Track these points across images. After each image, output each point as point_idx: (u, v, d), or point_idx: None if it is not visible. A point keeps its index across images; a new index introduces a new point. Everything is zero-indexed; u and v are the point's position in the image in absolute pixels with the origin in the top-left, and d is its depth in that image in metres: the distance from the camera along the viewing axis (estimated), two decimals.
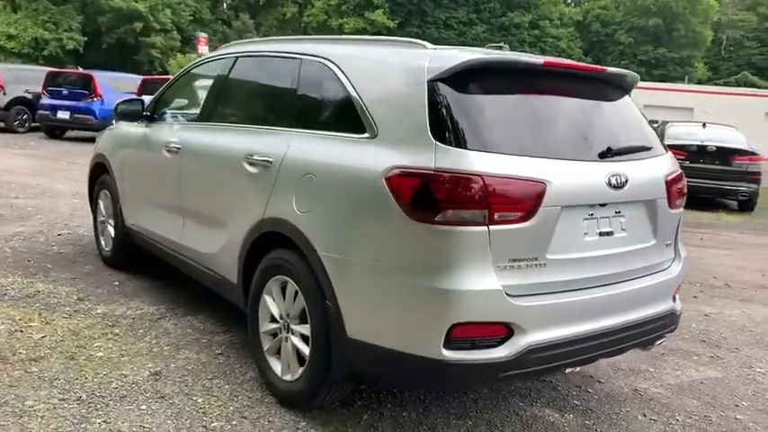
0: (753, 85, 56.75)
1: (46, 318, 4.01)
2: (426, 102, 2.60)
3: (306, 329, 2.97)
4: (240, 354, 3.70)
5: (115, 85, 15.34)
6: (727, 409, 3.47)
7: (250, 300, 3.34)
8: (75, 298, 4.42)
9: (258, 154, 3.29)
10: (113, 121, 5.44)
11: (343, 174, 2.78)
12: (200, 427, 2.88)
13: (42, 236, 6.05)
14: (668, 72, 61.68)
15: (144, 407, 3.03)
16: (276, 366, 3.20)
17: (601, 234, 2.79)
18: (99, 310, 4.23)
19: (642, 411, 3.35)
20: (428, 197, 2.47)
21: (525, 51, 49.91)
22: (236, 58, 3.93)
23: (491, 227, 2.46)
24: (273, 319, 3.23)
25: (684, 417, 3.34)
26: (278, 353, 3.22)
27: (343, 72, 3.03)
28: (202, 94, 4.26)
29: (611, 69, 3.10)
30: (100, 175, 5.32)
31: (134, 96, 4.94)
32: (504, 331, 2.52)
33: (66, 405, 2.98)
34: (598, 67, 3.09)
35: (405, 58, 2.84)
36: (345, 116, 2.94)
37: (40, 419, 2.83)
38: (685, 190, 3.25)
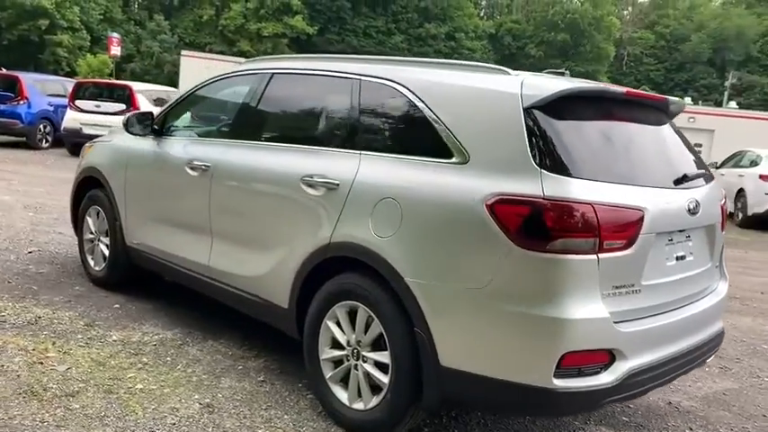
0: None
1: (61, 347, 3.74)
2: (525, 129, 2.62)
3: (383, 357, 2.92)
4: (283, 380, 3.58)
5: (42, 88, 14.45)
6: (757, 419, 3.67)
7: (308, 326, 3.24)
8: (83, 324, 4.14)
9: (319, 176, 3.20)
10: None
11: (434, 199, 2.75)
12: None
13: (11, 254, 5.63)
14: None
15: None
16: (341, 394, 3.12)
17: (677, 258, 2.90)
18: (114, 337, 3.98)
19: (688, 426, 3.49)
20: (539, 225, 2.48)
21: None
22: (272, 74, 3.81)
23: (600, 255, 2.50)
24: (337, 346, 3.15)
25: (726, 429, 3.50)
26: (342, 380, 3.14)
27: (416, 95, 3.00)
28: (229, 110, 4.11)
29: (670, 98, 3.22)
30: (88, 189, 5.01)
31: (143, 110, 4.62)
32: (608, 358, 2.57)
33: None
34: (662, 96, 3.21)
35: (493, 84, 2.84)
36: (425, 140, 2.91)
37: None
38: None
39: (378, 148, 3.11)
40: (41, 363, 3.52)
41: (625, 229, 2.57)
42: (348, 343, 3.09)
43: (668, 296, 2.85)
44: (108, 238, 4.82)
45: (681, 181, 2.95)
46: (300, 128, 3.71)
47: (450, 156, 2.79)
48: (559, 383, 2.48)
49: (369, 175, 3.02)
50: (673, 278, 2.87)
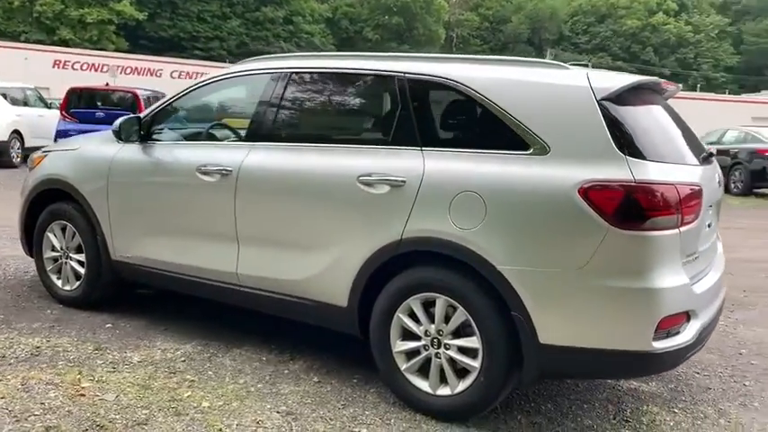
0: None
1: (92, 376, 3.48)
2: (603, 119, 2.87)
3: (469, 342, 3.07)
4: (336, 378, 3.61)
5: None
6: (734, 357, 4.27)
7: (376, 321, 3.30)
8: (92, 349, 3.86)
9: (379, 174, 3.25)
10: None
11: (521, 189, 2.93)
12: None
13: None
14: None
15: None
16: (421, 384, 3.23)
17: (708, 226, 3.32)
18: (136, 358, 3.76)
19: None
20: (633, 207, 2.76)
21: (281, 47, 50.35)
22: (291, 74, 3.75)
23: (681, 228, 2.84)
24: (411, 337, 3.24)
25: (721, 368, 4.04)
26: (419, 370, 3.24)
27: (476, 92, 3.14)
28: (242, 112, 3.97)
29: (678, 85, 3.62)
30: (47, 204, 4.60)
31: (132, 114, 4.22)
32: (686, 318, 2.92)
33: None
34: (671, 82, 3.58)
35: (561, 78, 3.07)
36: (496, 134, 3.08)
37: None
38: None
39: (442, 144, 3.22)
40: (82, 395, 3.27)
41: (695, 204, 2.92)
42: (426, 333, 3.19)
43: (707, 260, 3.27)
44: (82, 255, 4.47)
45: (707, 158, 3.36)
46: (347, 128, 3.71)
47: (526, 148, 2.98)
48: (657, 345, 2.80)
49: (439, 170, 3.13)
50: (707, 245, 3.28)
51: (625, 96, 2.99)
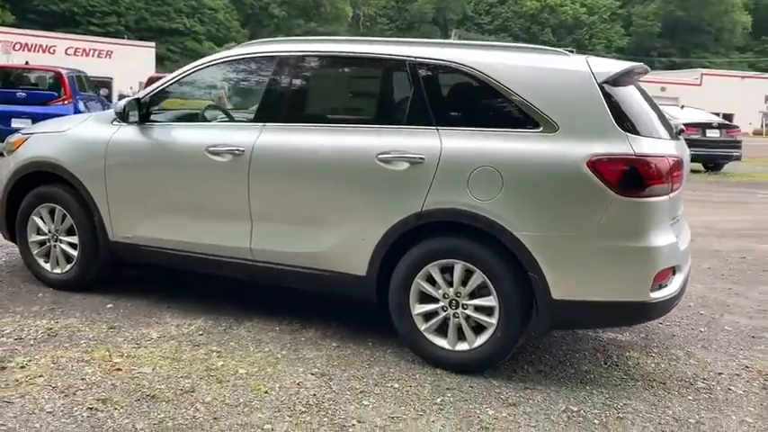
0: None
1: (120, 352, 3.58)
2: (604, 101, 3.28)
3: (486, 302, 3.43)
4: (353, 342, 3.87)
5: None
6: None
7: (395, 287, 3.59)
8: (106, 327, 3.94)
9: (398, 152, 3.52)
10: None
11: (534, 163, 3.29)
12: (432, 405, 3.17)
13: None
14: None
15: (366, 402, 3.16)
16: (440, 341, 3.56)
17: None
18: (153, 334, 3.88)
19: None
20: (635, 177, 3.18)
21: (184, 23, 48.78)
22: (303, 57, 3.94)
23: (670, 195, 3.29)
24: (428, 300, 3.56)
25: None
26: (437, 330, 3.57)
27: (487, 75, 3.47)
28: (250, 94, 4.11)
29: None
30: (31, 187, 4.57)
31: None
32: (673, 272, 3.40)
33: (307, 416, 2.97)
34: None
35: (564, 63, 3.43)
36: (507, 114, 3.43)
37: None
38: None
39: (456, 124, 3.53)
40: (119, 369, 3.38)
41: (678, 173, 3.37)
42: (444, 296, 3.52)
43: (681, 224, 3.76)
44: (73, 237, 4.49)
45: (678, 134, 3.84)
46: (363, 109, 3.93)
47: (536, 126, 3.34)
48: (653, 296, 3.26)
49: (456, 147, 3.44)
50: (681, 210, 3.77)
51: (619, 80, 3.40)
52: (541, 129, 3.33)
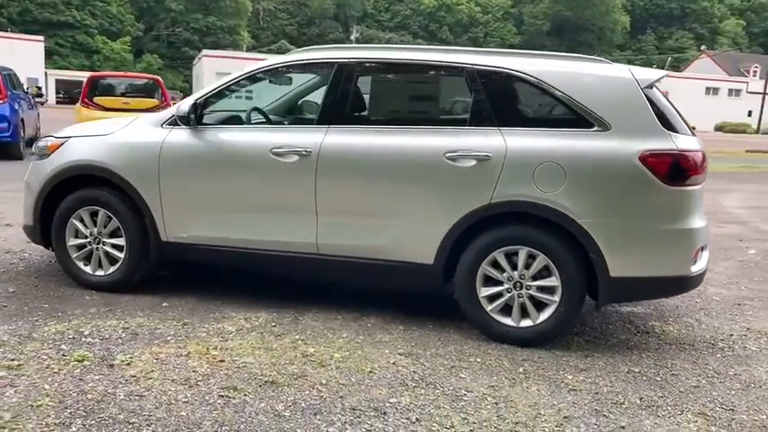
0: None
1: (213, 346, 3.76)
2: (648, 103, 3.81)
3: (549, 282, 3.88)
4: (416, 325, 4.22)
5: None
6: None
7: (462, 273, 3.98)
8: (180, 324, 4.08)
9: (465, 151, 3.91)
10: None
11: (593, 158, 3.77)
12: (518, 374, 3.59)
13: None
14: (218, 40, 65.04)
15: (462, 375, 3.54)
16: (505, 320, 3.98)
17: None
18: (229, 328, 4.06)
19: None
20: (679, 169, 3.73)
21: (74, 15, 47.16)
22: (365, 63, 4.26)
23: (702, 184, 3.87)
24: (493, 283, 3.98)
25: None
26: (502, 310, 3.99)
27: (543, 81, 3.92)
28: (309, 98, 4.34)
29: None
30: (69, 191, 4.60)
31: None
32: (702, 249, 3.98)
33: (420, 390, 3.31)
34: None
35: (610, 71, 3.93)
36: (563, 116, 3.89)
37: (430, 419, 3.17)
38: None
39: (517, 125, 3.95)
40: (222, 361, 3.57)
41: (706, 165, 3.95)
42: (509, 278, 3.94)
43: None
44: (118, 239, 4.56)
45: (692, 130, 4.44)
46: (427, 112, 4.25)
47: (590, 126, 3.83)
48: (693, 269, 3.83)
49: (520, 146, 3.86)
50: None
51: (655, 85, 3.94)
52: (595, 128, 3.82)
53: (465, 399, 3.27)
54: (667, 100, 4.09)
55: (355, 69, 4.22)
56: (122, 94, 12.38)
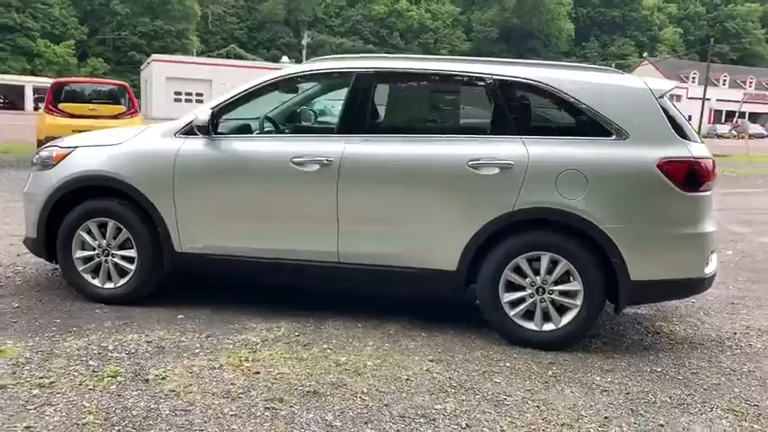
0: (241, 58, 63.51)
1: (245, 357, 3.72)
2: (662, 113, 3.96)
3: (571, 287, 3.99)
4: (438, 332, 4.26)
5: None
6: None
7: (485, 279, 4.06)
8: (204, 336, 4.04)
9: (488, 159, 3.99)
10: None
11: (613, 165, 3.90)
12: (549, 378, 3.69)
13: None
14: (167, 44, 63.92)
15: (497, 380, 3.61)
16: (527, 324, 4.07)
17: None
18: (253, 339, 4.03)
19: None
20: (694, 176, 3.89)
21: (13, 18, 46.01)
22: (386, 73, 4.30)
23: (712, 190, 4.05)
24: (515, 289, 4.07)
25: None
26: (524, 315, 4.08)
27: (561, 91, 4.03)
28: (327, 107, 4.34)
29: None
30: (76, 202, 4.49)
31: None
32: (712, 252, 4.16)
33: (461, 395, 3.36)
34: None
35: (626, 81, 4.08)
36: (582, 124, 4.02)
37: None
38: None
39: (538, 133, 4.05)
40: (257, 372, 3.55)
41: (715, 171, 4.13)
42: (531, 284, 4.04)
43: None
44: (128, 251, 4.48)
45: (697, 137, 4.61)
46: (448, 121, 4.31)
47: (609, 134, 3.96)
48: (706, 271, 3.99)
49: (542, 154, 3.96)
50: None
51: (667, 95, 4.10)
52: (614, 136, 3.95)
53: (506, 403, 3.33)
54: (676, 109, 4.26)
55: (375, 79, 4.25)
56: (88, 101, 12.07)
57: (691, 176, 3.89)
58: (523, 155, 3.97)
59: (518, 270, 4.05)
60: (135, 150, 4.43)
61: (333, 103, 4.37)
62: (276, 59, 66.23)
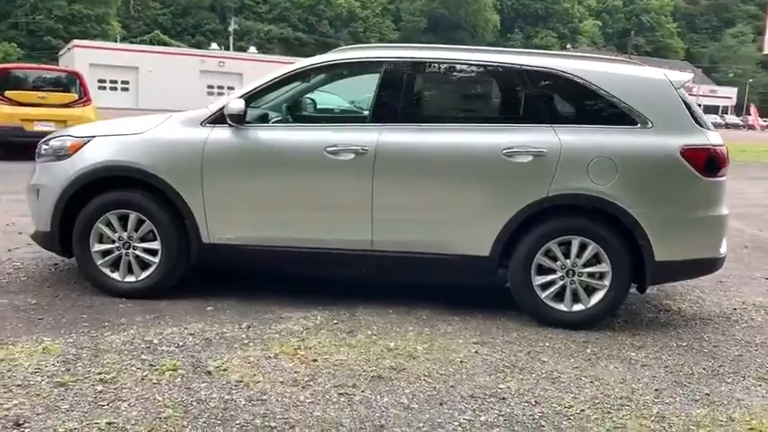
0: (164, 44, 61.63)
1: (297, 346, 3.73)
2: (682, 102, 4.21)
3: (599, 269, 4.19)
4: (469, 316, 4.38)
5: None
6: None
7: (518, 263, 4.20)
8: (245, 326, 4.01)
9: (521, 147, 4.13)
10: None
11: (641, 152, 4.11)
12: (590, 355, 3.87)
13: None
14: (86, 29, 61.28)
15: (545, 359, 3.76)
16: (559, 306, 4.25)
17: None
18: (296, 328, 4.03)
19: None
20: (713, 162, 4.15)
21: None
22: (417, 63, 4.36)
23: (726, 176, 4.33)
24: (547, 272, 4.24)
25: None
26: (556, 297, 4.26)
27: (589, 81, 4.21)
28: (358, 97, 4.35)
29: None
30: (93, 194, 4.36)
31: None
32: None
33: (520, 375, 3.50)
34: None
35: (647, 72, 4.28)
36: (610, 114, 4.20)
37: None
38: None
39: (567, 122, 4.22)
40: (315, 360, 3.58)
41: (729, 158, 4.41)
42: (562, 267, 4.21)
43: None
44: (150, 243, 4.38)
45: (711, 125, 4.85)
46: (481, 110, 4.40)
47: (634, 123, 4.17)
48: (721, 252, 4.28)
49: (573, 141, 4.13)
50: None
51: (684, 85, 4.35)
52: (639, 125, 4.16)
53: (562, 380, 3.49)
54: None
55: (407, 68, 4.31)
56: (37, 88, 11.48)
57: (710, 163, 4.14)
58: (556, 143, 4.12)
59: (548, 254, 4.21)
60: (159, 140, 4.33)
61: (362, 93, 4.39)
62: (201, 46, 64.62)
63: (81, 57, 44.03)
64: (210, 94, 51.53)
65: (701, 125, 4.22)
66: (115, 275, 4.43)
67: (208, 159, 4.25)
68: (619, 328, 4.37)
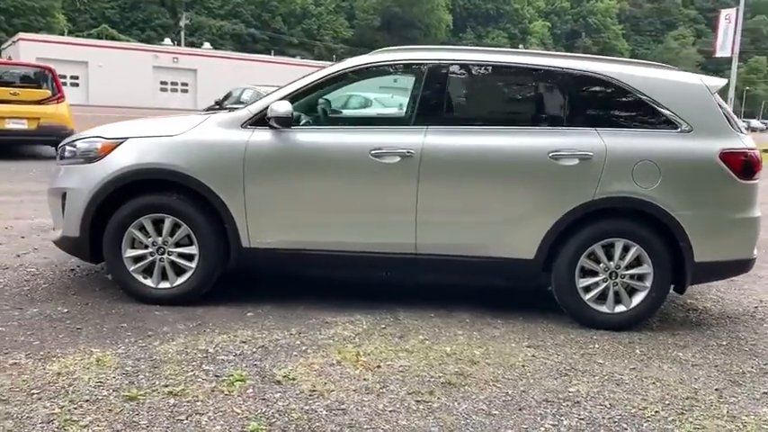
0: (113, 38, 60.00)
1: (356, 352, 3.68)
2: (718, 107, 4.31)
3: (641, 270, 4.25)
4: (512, 320, 4.38)
5: None
6: None
7: (562, 266, 4.23)
8: (295, 332, 3.93)
9: (568, 150, 4.16)
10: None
11: (682, 156, 4.19)
12: (640, 356, 3.93)
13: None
14: (30, 22, 59.20)
15: (600, 360, 3.80)
16: (602, 308, 4.30)
17: None
18: (346, 333, 3.96)
19: None
20: (749, 166, 4.26)
21: None
22: (462, 65, 4.36)
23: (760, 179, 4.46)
24: (590, 274, 4.28)
25: None
26: (598, 299, 4.30)
27: (630, 85, 4.27)
28: (402, 100, 4.30)
29: None
30: (126, 198, 4.21)
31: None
32: None
33: (583, 378, 3.52)
34: None
35: (685, 77, 4.37)
36: (650, 118, 4.27)
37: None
38: None
39: (610, 125, 4.26)
40: (378, 366, 3.53)
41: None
42: (605, 269, 4.27)
43: None
44: (187, 248, 4.25)
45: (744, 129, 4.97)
46: (525, 113, 4.39)
47: (675, 127, 4.25)
48: (754, 253, 4.41)
49: (618, 145, 4.18)
50: None
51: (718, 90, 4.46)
52: (679, 129, 4.24)
53: (626, 382, 3.52)
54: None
55: (450, 71, 4.29)
56: (7, 84, 10.99)
57: (746, 166, 4.25)
58: (601, 146, 4.16)
59: (591, 256, 4.25)
60: (197, 142, 4.19)
61: (405, 95, 4.34)
62: (151, 41, 63.11)
63: (27, 50, 42.44)
64: (164, 90, 50.50)
65: (736, 129, 4.33)
66: (148, 282, 4.28)
67: (250, 162, 4.14)
68: (657, 328, 4.45)
